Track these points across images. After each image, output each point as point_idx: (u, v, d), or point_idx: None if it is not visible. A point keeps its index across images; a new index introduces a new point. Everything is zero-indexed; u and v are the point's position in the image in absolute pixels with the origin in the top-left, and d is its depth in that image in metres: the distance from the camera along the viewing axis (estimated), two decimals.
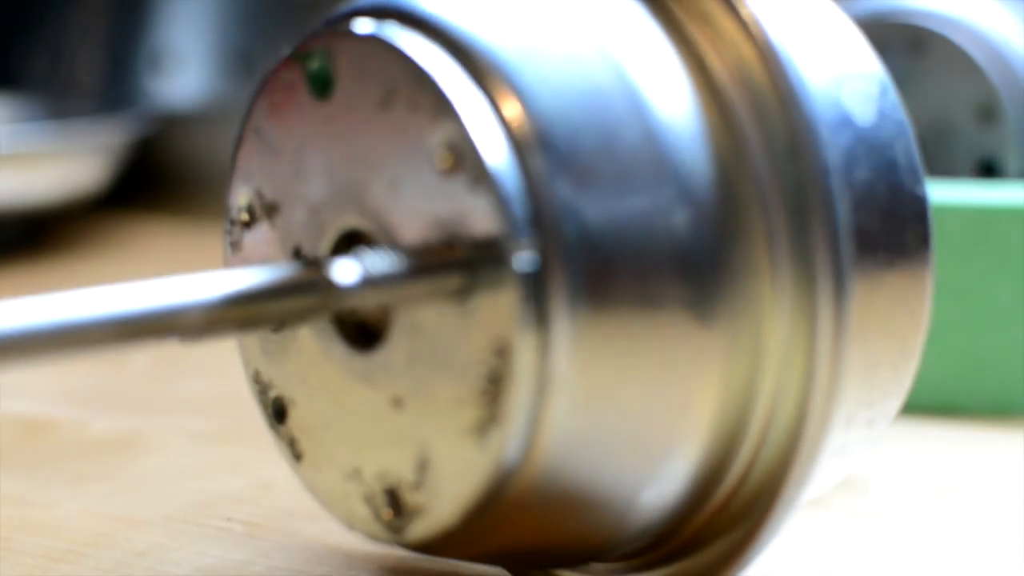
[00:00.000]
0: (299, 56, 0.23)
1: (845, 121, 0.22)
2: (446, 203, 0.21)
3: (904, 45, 0.42)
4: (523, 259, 0.20)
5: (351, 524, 0.23)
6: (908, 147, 0.23)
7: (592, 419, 0.20)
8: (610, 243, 0.20)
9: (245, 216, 0.24)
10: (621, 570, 0.23)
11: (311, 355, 0.23)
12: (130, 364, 0.38)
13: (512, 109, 0.20)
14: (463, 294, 0.20)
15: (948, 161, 0.42)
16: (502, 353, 0.20)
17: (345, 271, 0.20)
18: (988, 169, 0.41)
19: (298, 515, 0.28)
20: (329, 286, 0.20)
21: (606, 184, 0.20)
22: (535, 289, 0.20)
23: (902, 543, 0.27)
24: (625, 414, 0.20)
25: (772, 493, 0.21)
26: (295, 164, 0.23)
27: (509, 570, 0.24)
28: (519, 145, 0.20)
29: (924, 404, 0.34)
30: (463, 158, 0.20)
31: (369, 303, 0.21)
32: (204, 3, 0.64)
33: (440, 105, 0.20)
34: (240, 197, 0.24)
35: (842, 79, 0.22)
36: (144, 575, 0.25)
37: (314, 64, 0.22)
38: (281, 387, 0.23)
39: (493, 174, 0.20)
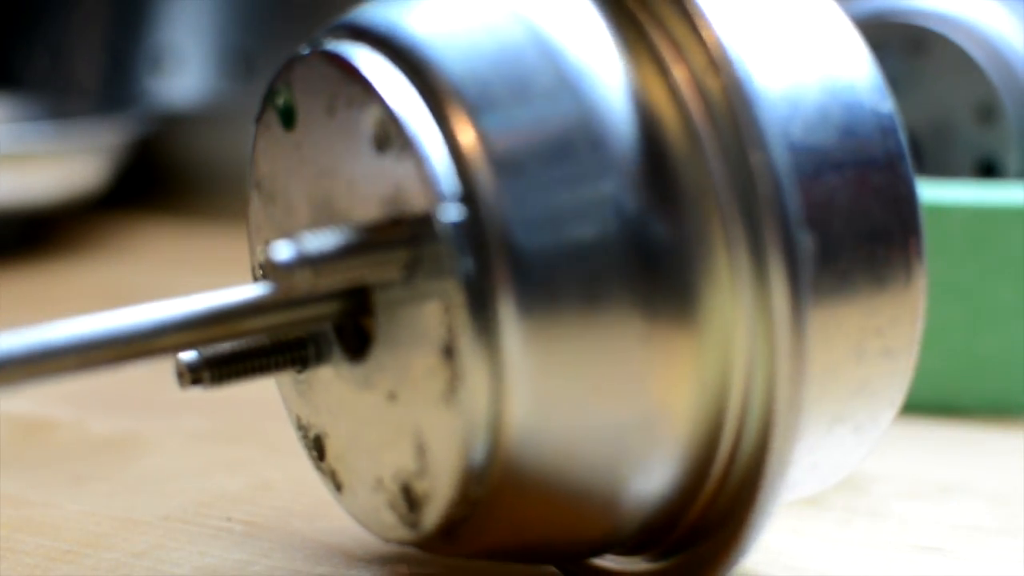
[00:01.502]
0: (269, 97, 0.24)
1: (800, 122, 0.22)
2: (386, 181, 0.21)
3: (904, 45, 0.42)
4: (450, 210, 0.20)
5: (385, 536, 0.23)
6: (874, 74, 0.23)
7: (553, 373, 0.20)
8: (541, 203, 0.20)
9: (260, 272, 0.25)
10: (631, 563, 0.23)
11: (329, 382, 0.24)
12: None
13: (436, 83, 0.21)
14: (412, 268, 0.21)
15: (948, 161, 0.42)
16: (449, 310, 0.21)
17: (281, 250, 0.21)
18: (988, 169, 0.41)
19: (297, 514, 0.28)
20: (272, 270, 0.21)
21: (536, 156, 0.21)
22: (467, 241, 0.20)
23: (902, 543, 0.27)
24: (583, 372, 0.21)
25: (755, 481, 0.21)
26: (285, 203, 0.24)
27: (556, 565, 0.24)
28: (442, 115, 0.21)
29: (924, 404, 0.34)
30: (389, 131, 0.21)
31: (307, 281, 0.21)
32: (204, 3, 0.64)
33: (365, 90, 0.21)
34: (258, 255, 0.25)
35: (803, 82, 0.22)
36: (144, 575, 0.25)
37: (280, 99, 0.23)
38: (316, 424, 0.24)
39: (413, 138, 0.21)
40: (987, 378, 0.34)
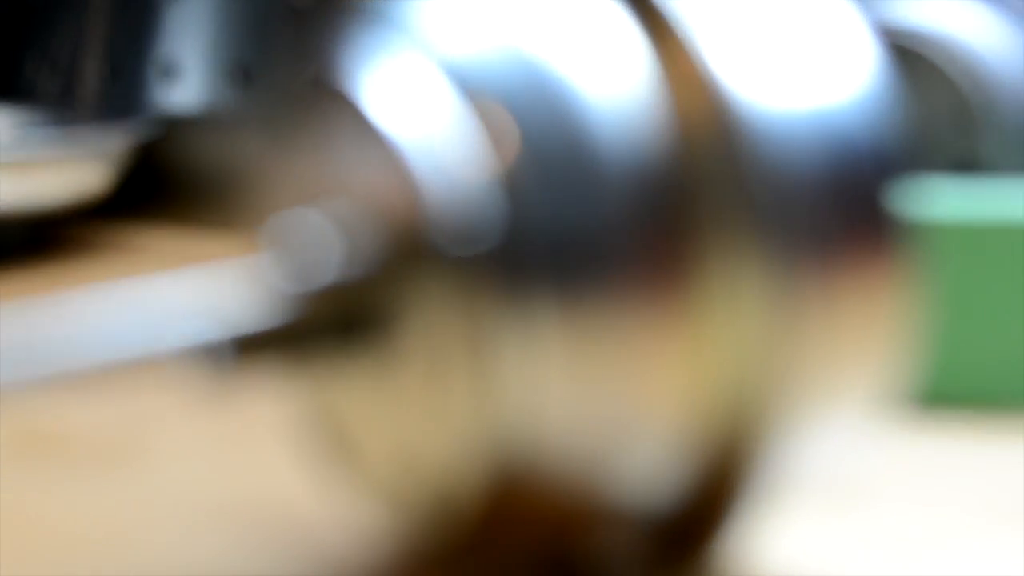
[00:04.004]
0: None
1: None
2: (400, 180, 0.21)
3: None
4: (467, 208, 0.21)
5: (400, 538, 0.23)
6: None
7: (563, 377, 0.21)
8: (547, 204, 0.21)
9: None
10: (632, 559, 0.24)
11: (345, 375, 0.24)
12: None
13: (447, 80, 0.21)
14: (432, 266, 0.21)
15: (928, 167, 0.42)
16: (470, 308, 0.21)
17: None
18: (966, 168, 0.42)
19: (295, 518, 0.27)
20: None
21: (539, 161, 0.21)
22: (485, 239, 0.21)
23: (899, 541, 0.26)
24: (589, 372, 0.21)
25: (752, 477, 0.22)
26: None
27: (556, 562, 0.24)
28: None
29: (924, 404, 0.34)
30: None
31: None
32: (205, 13, 0.64)
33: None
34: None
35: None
36: None
37: None
38: (330, 419, 0.24)
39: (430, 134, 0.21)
40: (984, 375, 0.34)
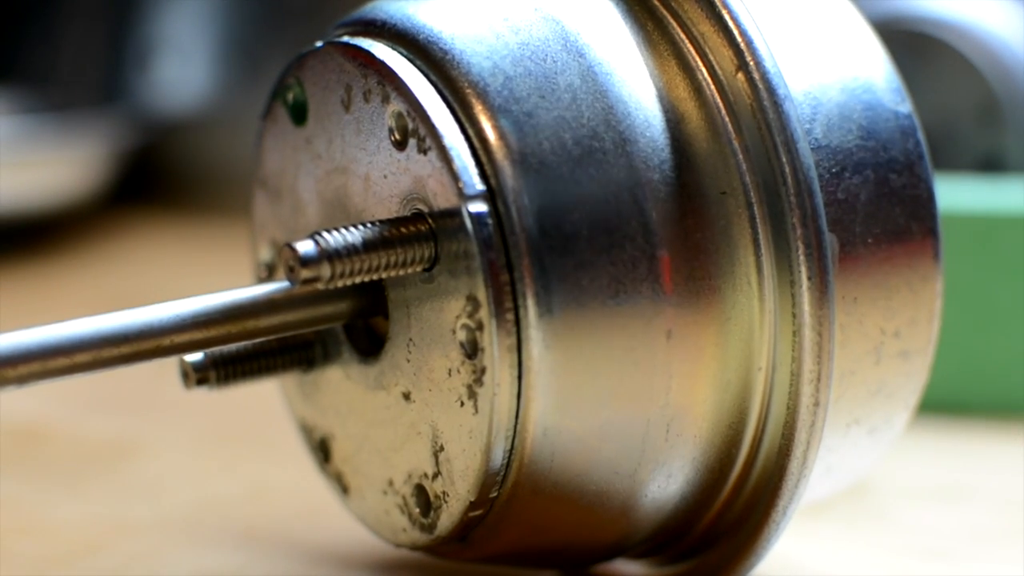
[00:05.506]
0: (279, 93, 0.23)
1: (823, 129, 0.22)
2: (407, 177, 0.21)
3: (903, 50, 0.42)
4: (474, 206, 0.20)
5: (396, 540, 0.23)
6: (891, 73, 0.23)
7: (576, 371, 0.20)
8: (566, 200, 0.20)
9: (265, 272, 0.24)
10: (642, 567, 0.23)
11: (337, 383, 0.23)
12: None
13: (459, 78, 0.21)
14: (432, 264, 0.21)
15: (951, 160, 0.42)
16: (473, 307, 0.20)
17: (303, 244, 0.21)
18: (990, 165, 0.42)
19: (295, 517, 0.28)
20: (293, 265, 0.21)
21: (561, 153, 0.20)
22: (492, 237, 0.20)
23: (907, 547, 0.26)
24: (606, 370, 0.20)
25: (776, 483, 0.21)
26: (292, 200, 0.24)
27: (564, 570, 0.24)
28: (465, 110, 0.21)
29: (929, 406, 0.34)
30: (411, 125, 0.21)
31: (329, 276, 0.21)
32: None
33: (386, 83, 0.21)
34: (262, 253, 0.25)
35: (830, 81, 0.22)
36: None
37: (290, 95, 0.23)
38: (322, 426, 0.24)
39: (438, 132, 0.21)
40: (992, 380, 0.34)
